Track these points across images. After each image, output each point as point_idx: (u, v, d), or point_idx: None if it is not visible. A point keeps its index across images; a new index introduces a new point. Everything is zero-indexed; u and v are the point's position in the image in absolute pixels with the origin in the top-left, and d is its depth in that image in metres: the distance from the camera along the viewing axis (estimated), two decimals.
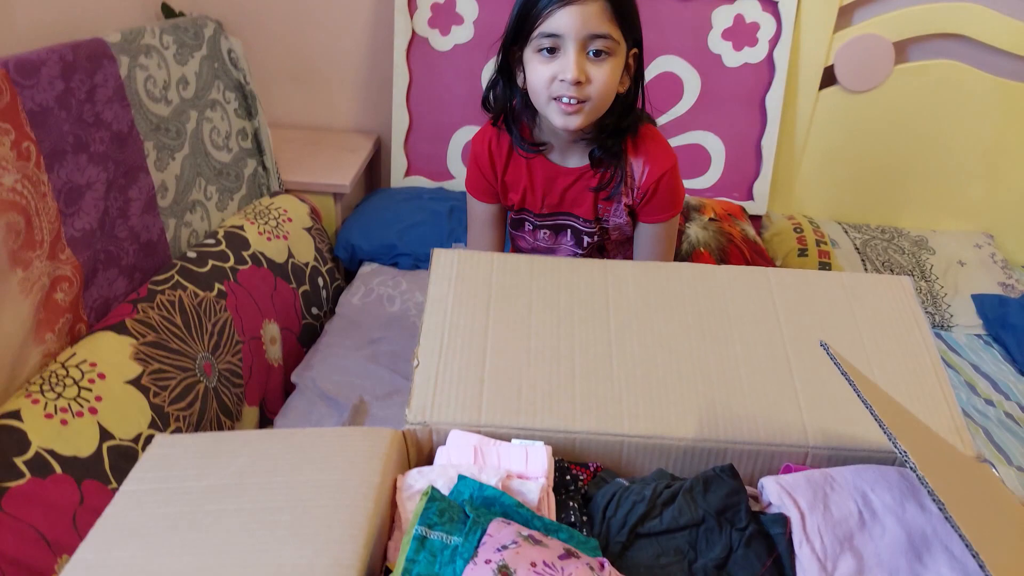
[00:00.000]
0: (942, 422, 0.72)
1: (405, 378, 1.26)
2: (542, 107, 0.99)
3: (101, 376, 0.98)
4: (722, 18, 1.74)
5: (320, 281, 1.55)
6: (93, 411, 0.95)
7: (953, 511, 0.46)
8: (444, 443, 0.68)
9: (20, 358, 0.94)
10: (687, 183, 1.56)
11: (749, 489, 0.68)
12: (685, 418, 0.71)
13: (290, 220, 1.52)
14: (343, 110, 1.97)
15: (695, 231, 1.63)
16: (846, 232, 1.85)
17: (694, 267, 0.87)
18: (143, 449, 0.90)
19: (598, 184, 1.06)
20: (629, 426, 0.70)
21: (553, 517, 0.63)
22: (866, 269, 1.73)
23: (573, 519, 0.64)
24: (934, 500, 0.46)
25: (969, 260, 1.79)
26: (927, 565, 0.62)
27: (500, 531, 0.53)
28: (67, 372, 0.96)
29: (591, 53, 0.94)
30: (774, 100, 1.78)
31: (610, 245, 1.16)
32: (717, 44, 1.76)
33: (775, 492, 0.66)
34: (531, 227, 1.14)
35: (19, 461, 0.85)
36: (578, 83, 0.93)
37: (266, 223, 1.46)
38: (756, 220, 1.87)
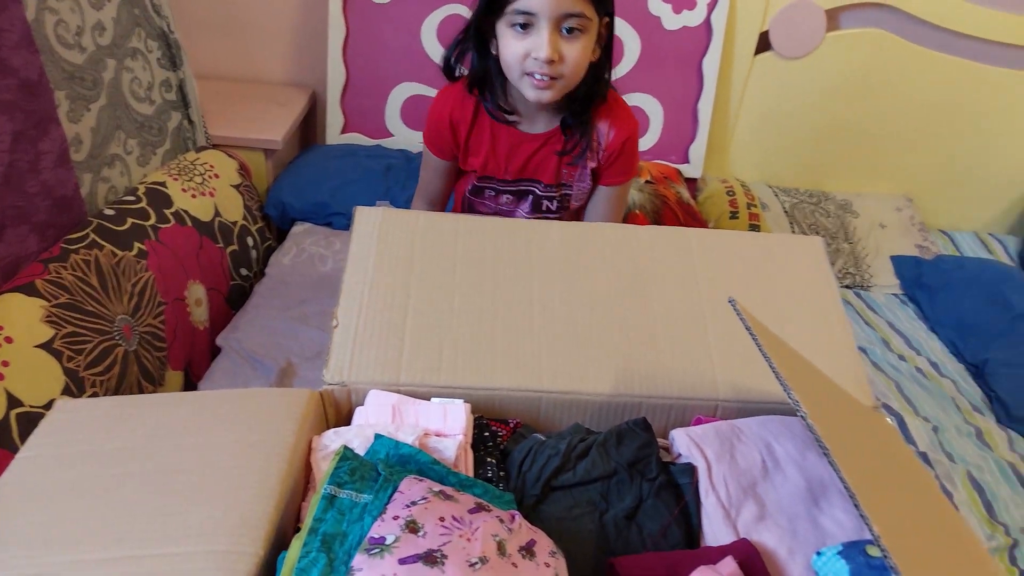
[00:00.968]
0: (847, 375, 0.76)
1: None
2: (515, 80, 0.99)
3: (8, 340, 0.93)
4: None
5: (250, 240, 1.51)
6: (0, 377, 0.91)
7: (838, 456, 0.48)
8: (363, 403, 0.68)
9: None
10: None
11: (661, 441, 0.70)
12: (602, 374, 0.72)
13: (217, 176, 1.46)
14: (275, 62, 1.89)
15: (632, 193, 1.65)
16: (776, 195, 1.89)
17: (619, 227, 0.88)
18: None
19: (563, 148, 1.07)
20: (548, 382, 0.71)
21: (471, 473, 0.64)
22: (794, 231, 1.79)
23: (490, 474, 0.65)
24: (820, 446, 0.49)
25: (890, 223, 1.87)
26: (823, 509, 0.66)
27: (411, 488, 0.53)
28: None
29: (564, 30, 0.94)
30: (711, 64, 1.79)
31: (567, 216, 1.17)
32: (657, 7, 1.75)
33: (684, 443, 0.68)
34: (493, 192, 1.14)
35: None
36: (551, 61, 0.93)
37: (191, 179, 1.40)
38: (692, 183, 1.89)
